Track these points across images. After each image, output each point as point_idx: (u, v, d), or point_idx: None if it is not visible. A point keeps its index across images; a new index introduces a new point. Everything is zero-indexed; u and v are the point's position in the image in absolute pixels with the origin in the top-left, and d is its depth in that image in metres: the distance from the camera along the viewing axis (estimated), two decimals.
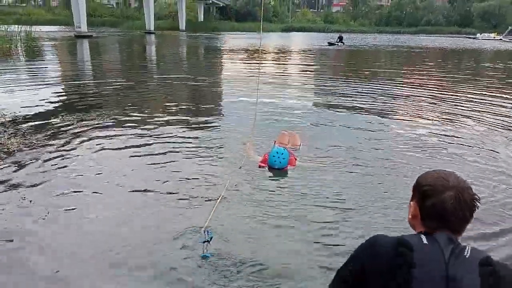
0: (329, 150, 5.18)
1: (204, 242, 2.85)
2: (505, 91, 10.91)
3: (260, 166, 4.49)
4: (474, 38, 58.86)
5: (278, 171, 4.34)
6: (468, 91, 10.75)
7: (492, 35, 59.46)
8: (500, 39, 54.65)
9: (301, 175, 4.34)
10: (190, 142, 5.38)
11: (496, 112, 7.92)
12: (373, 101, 8.77)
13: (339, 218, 3.38)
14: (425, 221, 1.11)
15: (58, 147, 5.05)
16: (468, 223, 1.10)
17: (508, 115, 7.73)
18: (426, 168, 4.52)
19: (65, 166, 4.40)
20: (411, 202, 1.16)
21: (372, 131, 6.25)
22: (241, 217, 3.36)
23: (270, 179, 4.25)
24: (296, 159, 4.60)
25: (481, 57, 26.16)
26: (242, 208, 3.54)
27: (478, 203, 1.09)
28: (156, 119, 6.70)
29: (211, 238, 2.86)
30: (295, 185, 4.07)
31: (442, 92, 10.39)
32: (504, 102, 9.07)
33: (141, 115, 7.01)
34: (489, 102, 9.05)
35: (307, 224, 3.28)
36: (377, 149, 5.31)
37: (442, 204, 1.06)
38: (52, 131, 5.80)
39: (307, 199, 3.73)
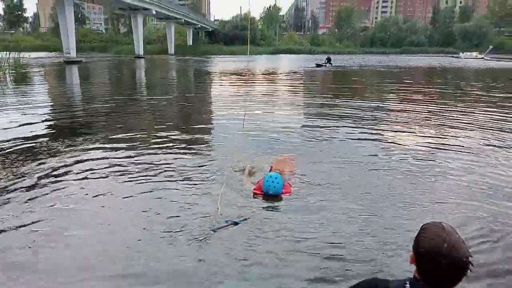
0: (324, 172, 5.09)
1: (229, 222, 3.49)
2: (493, 105, 11.13)
3: (254, 194, 4.35)
4: (457, 57, 60.71)
5: (274, 199, 4.22)
6: (460, 105, 10.95)
7: (474, 54, 61.48)
8: (482, 58, 56.38)
9: (297, 202, 4.19)
10: (179, 166, 5.29)
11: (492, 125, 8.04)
12: (366, 120, 8.81)
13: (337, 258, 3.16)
14: (419, 275, 1.23)
15: (47, 172, 4.95)
16: (460, 281, 1.18)
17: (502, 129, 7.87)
18: (424, 191, 4.51)
19: (54, 190, 4.33)
20: (411, 252, 1.26)
21: (366, 151, 6.22)
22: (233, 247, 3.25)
23: (265, 209, 4.05)
24: (291, 185, 4.49)
25: (468, 75, 26.81)
26: (235, 236, 3.42)
27: (471, 267, 1.15)
28: (143, 142, 6.65)
29: (235, 223, 3.48)
30: (291, 216, 3.87)
31: (436, 107, 10.55)
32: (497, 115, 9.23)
33: (128, 138, 6.93)
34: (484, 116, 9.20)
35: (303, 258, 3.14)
36: (373, 170, 5.26)
37: (433, 272, 1.15)
38: (40, 156, 5.70)
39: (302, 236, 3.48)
